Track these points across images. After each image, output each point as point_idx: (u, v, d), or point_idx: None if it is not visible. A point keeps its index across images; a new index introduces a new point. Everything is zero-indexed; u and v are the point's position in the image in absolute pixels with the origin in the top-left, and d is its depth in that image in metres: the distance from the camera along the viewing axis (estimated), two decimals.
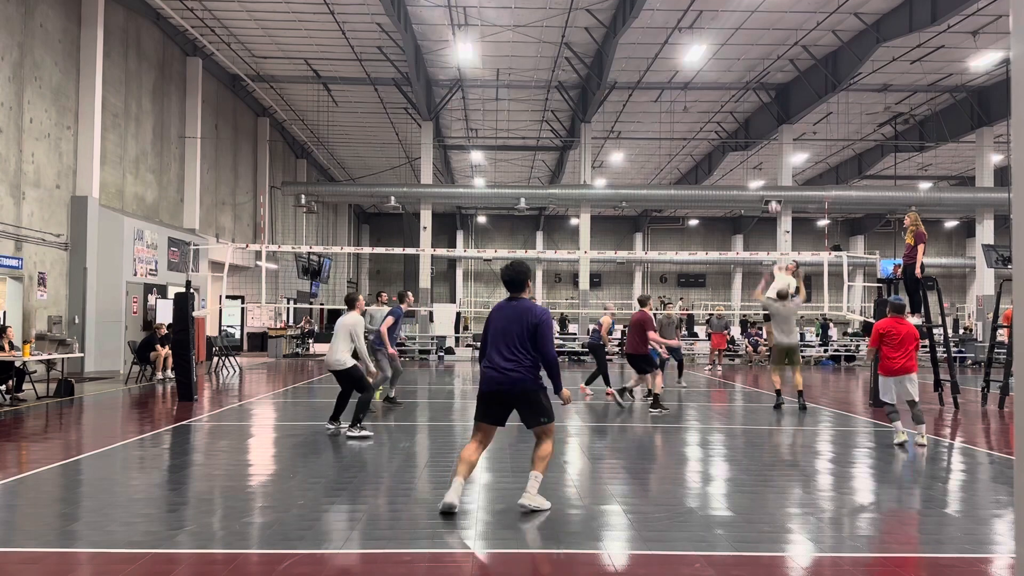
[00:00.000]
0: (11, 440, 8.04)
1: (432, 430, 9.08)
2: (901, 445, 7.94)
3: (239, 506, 5.30)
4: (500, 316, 5.33)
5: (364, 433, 8.19)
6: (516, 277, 5.33)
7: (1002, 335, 15.69)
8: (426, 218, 27.20)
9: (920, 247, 11.59)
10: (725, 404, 12.30)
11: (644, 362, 10.97)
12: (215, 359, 18.39)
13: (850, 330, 27.78)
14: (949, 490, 6.19)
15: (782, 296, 11.27)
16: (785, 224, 27.60)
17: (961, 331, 29.78)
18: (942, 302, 13.10)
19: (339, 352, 8.35)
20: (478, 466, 6.74)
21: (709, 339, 22.18)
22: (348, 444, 7.86)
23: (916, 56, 22.21)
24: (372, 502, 5.44)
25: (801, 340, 24.88)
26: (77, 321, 15.51)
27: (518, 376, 5.14)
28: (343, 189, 31.59)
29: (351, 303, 8.75)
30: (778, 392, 11.34)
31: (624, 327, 22.60)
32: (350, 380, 8.49)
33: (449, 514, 5.05)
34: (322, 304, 31.98)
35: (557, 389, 5.27)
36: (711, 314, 21.46)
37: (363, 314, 9.11)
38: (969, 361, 24.10)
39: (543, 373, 5.28)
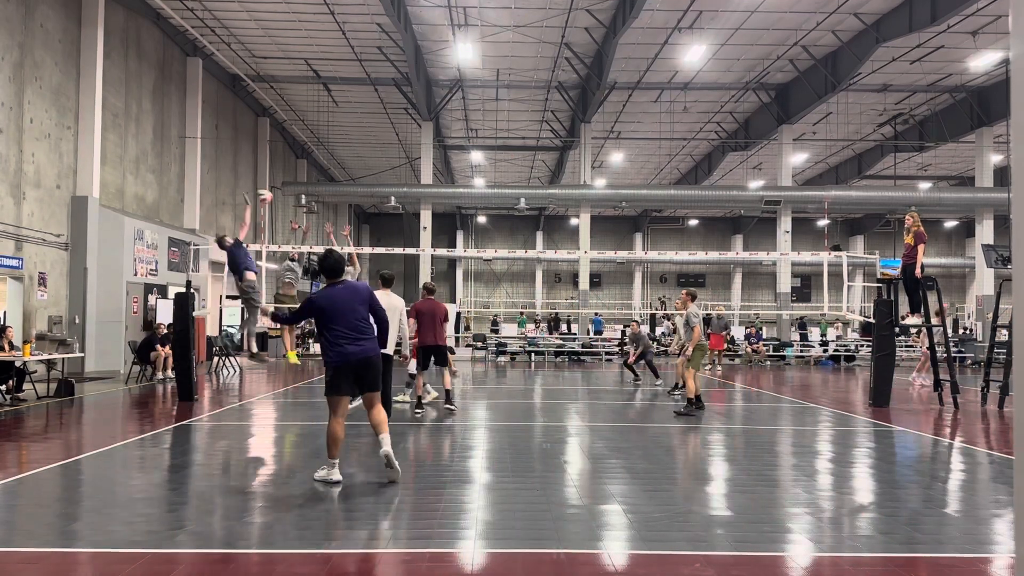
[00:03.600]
0: (11, 440, 8.04)
1: (431, 430, 9.07)
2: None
3: (239, 506, 5.30)
4: (340, 298, 5.95)
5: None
6: (339, 265, 6.10)
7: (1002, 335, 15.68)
8: (426, 218, 27.20)
9: (920, 247, 11.60)
10: (724, 404, 12.30)
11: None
12: (215, 359, 18.39)
13: (852, 330, 27.80)
14: (949, 490, 6.19)
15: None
16: (785, 224, 27.61)
17: (961, 331, 29.78)
18: (942, 302, 13.10)
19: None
20: (478, 466, 6.76)
21: (708, 339, 22.16)
22: (346, 444, 7.84)
23: (916, 56, 22.22)
24: (372, 502, 5.44)
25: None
26: (77, 321, 15.51)
27: (372, 346, 5.99)
28: (343, 189, 31.59)
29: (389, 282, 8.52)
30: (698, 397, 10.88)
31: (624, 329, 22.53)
32: (385, 372, 8.08)
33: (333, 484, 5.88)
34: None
35: (384, 345, 6.45)
36: (709, 314, 21.49)
37: None
38: (969, 361, 24.10)
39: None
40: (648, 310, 39.99)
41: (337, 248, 6.55)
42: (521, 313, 35.51)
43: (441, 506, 5.34)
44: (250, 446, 7.91)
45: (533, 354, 24.43)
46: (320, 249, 27.52)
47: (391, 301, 8.46)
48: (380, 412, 6.07)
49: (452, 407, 10.35)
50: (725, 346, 21.54)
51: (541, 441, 8.25)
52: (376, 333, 6.13)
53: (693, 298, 11.30)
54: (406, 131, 29.59)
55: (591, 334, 29.03)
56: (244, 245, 10.96)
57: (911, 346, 26.17)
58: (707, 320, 21.32)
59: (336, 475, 5.93)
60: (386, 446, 5.94)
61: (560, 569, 4.06)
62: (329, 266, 6.03)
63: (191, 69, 21.38)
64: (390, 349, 8.31)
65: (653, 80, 24.52)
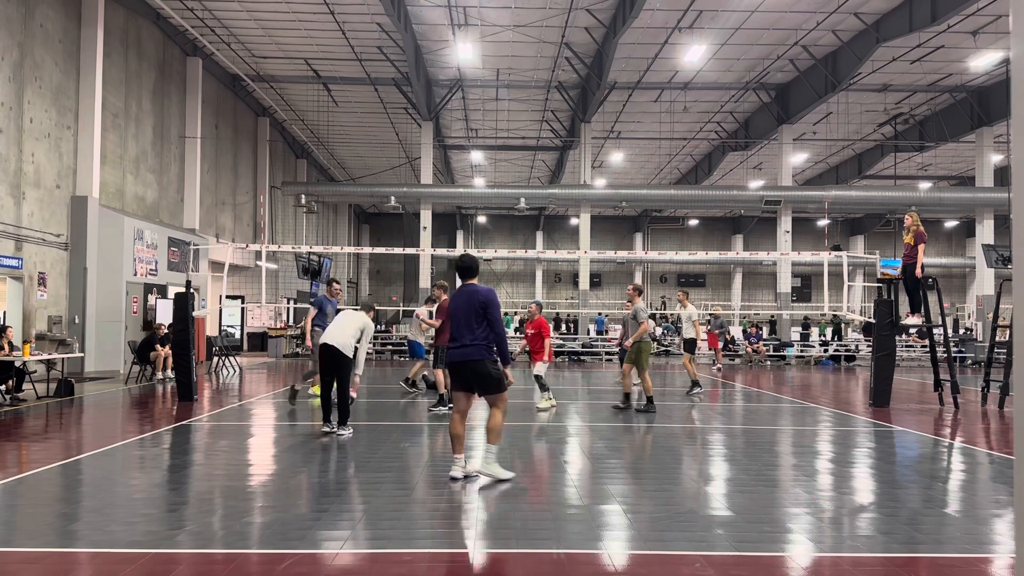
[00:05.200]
0: (11, 440, 8.04)
1: (431, 429, 9.07)
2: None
3: (239, 506, 5.30)
4: (459, 301, 6.18)
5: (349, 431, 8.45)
6: (471, 266, 6.34)
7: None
8: (426, 218, 27.20)
9: (920, 247, 11.60)
10: (722, 404, 12.30)
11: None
12: (215, 359, 18.39)
13: (853, 329, 27.80)
14: (949, 490, 6.19)
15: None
16: (785, 224, 27.60)
17: (961, 331, 29.77)
18: (942, 302, 13.10)
19: (349, 337, 8.37)
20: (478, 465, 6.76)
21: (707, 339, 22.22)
22: (346, 443, 7.86)
23: (916, 56, 22.21)
24: (372, 502, 5.44)
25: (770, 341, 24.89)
26: (77, 321, 15.51)
27: (470, 351, 6.01)
28: (343, 189, 31.59)
29: (368, 309, 8.99)
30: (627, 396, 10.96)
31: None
32: (342, 369, 8.44)
33: (455, 480, 6.10)
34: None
35: (505, 362, 6.18)
36: (710, 314, 21.50)
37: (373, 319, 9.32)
38: (969, 361, 24.10)
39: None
40: (648, 310, 39.98)
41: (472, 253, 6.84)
42: (505, 313, 35.42)
43: (441, 506, 5.34)
44: (250, 446, 7.91)
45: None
46: (319, 249, 27.53)
47: (363, 317, 8.63)
48: (493, 417, 6.12)
49: (447, 407, 10.49)
50: (721, 345, 21.53)
51: (541, 441, 8.24)
52: (491, 338, 6.09)
53: (640, 293, 11.31)
54: (406, 131, 29.59)
55: (593, 334, 29.02)
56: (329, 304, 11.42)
57: (911, 346, 26.17)
58: (706, 320, 21.30)
59: (456, 472, 6.15)
60: (475, 464, 6.23)
61: (560, 569, 4.06)
62: (463, 266, 6.35)
63: (191, 69, 21.38)
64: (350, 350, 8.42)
65: (653, 80, 24.52)
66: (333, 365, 8.40)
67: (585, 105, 25.58)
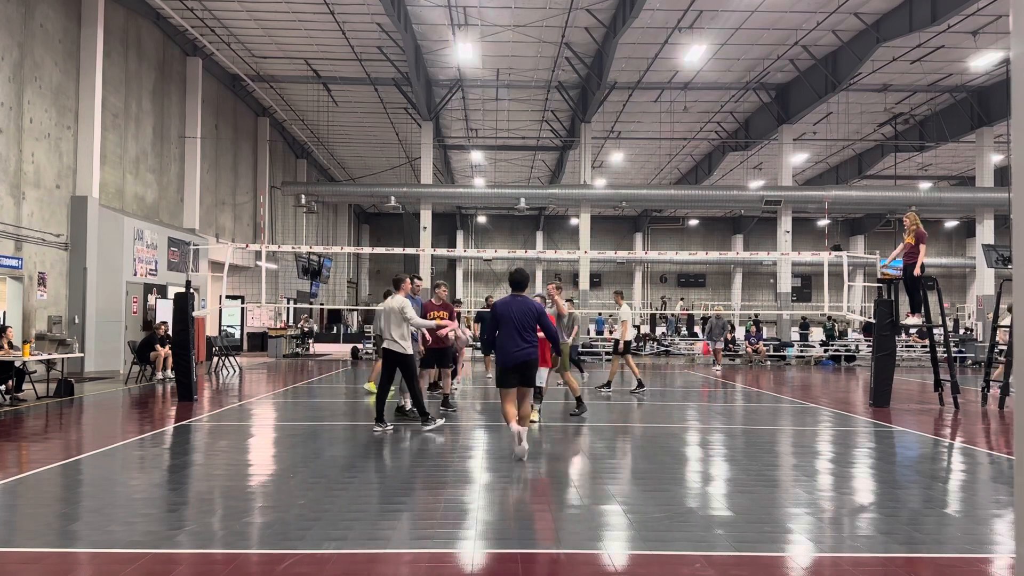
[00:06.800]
0: (11, 440, 8.04)
1: (431, 429, 9.07)
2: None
3: (239, 506, 5.30)
4: (513, 308, 7.09)
5: (438, 423, 8.91)
6: (522, 280, 7.31)
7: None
8: (426, 218, 27.20)
9: (922, 247, 11.58)
10: (722, 404, 12.29)
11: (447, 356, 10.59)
12: (215, 359, 18.39)
13: (852, 329, 27.78)
14: (949, 490, 6.19)
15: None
16: (785, 224, 27.60)
17: (961, 331, 29.77)
18: (942, 302, 13.09)
19: (395, 332, 8.63)
20: (478, 466, 6.77)
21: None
22: (347, 444, 7.86)
23: (916, 56, 22.21)
24: (372, 502, 5.44)
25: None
26: (77, 321, 15.51)
27: (531, 351, 7.07)
28: (343, 189, 31.59)
29: (398, 285, 9.06)
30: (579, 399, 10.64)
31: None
32: (402, 369, 8.72)
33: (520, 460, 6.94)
34: (322, 304, 31.96)
35: (558, 352, 8.26)
36: (712, 315, 21.47)
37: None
38: (969, 361, 24.09)
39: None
40: (649, 310, 40.00)
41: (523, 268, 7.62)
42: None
43: (441, 506, 5.34)
44: (250, 446, 7.91)
45: None
46: (319, 249, 27.47)
47: (390, 303, 8.81)
48: (525, 407, 7.15)
49: (452, 408, 10.57)
50: (721, 345, 21.51)
51: (541, 441, 8.24)
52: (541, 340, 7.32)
53: (560, 290, 11.03)
54: (406, 131, 29.59)
55: (593, 334, 29.03)
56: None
57: (911, 346, 26.17)
58: (705, 320, 21.29)
59: (515, 427, 7.01)
60: (520, 430, 6.96)
61: (560, 569, 4.06)
62: (515, 280, 7.32)
63: (191, 69, 21.37)
64: (409, 348, 8.79)
65: (653, 80, 24.52)
66: (393, 366, 8.80)
67: (585, 105, 25.58)
